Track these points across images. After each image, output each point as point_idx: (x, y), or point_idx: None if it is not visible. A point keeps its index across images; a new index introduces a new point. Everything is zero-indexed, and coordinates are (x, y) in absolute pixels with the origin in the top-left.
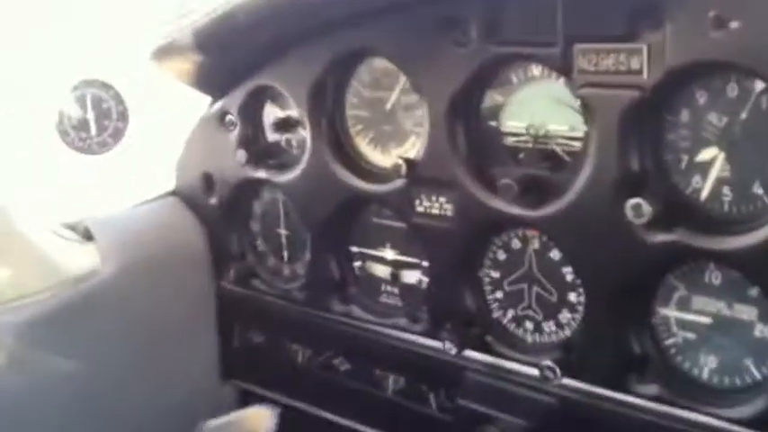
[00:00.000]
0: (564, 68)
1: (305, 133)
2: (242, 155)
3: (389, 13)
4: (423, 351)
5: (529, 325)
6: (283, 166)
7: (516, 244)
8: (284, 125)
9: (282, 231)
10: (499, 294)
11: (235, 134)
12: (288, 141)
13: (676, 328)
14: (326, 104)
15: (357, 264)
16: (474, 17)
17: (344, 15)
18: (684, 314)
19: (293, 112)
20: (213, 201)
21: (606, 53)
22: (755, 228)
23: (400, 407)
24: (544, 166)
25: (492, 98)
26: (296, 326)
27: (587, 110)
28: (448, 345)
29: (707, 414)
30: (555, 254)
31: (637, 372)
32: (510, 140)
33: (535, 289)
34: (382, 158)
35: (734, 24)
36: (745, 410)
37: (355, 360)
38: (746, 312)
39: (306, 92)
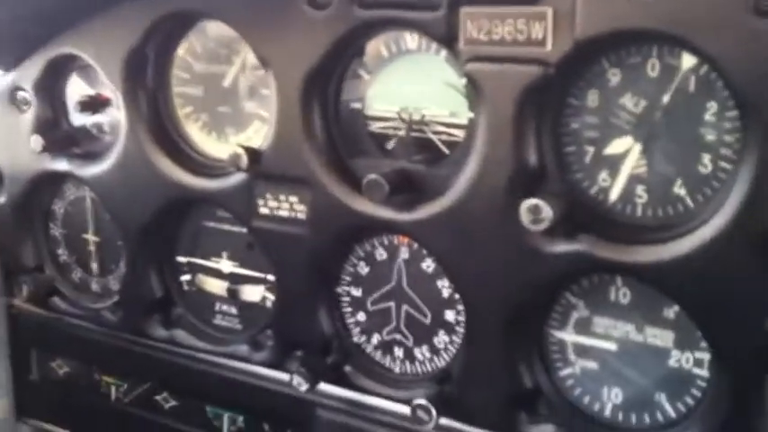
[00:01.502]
0: (447, 38)
1: (119, 115)
2: (38, 141)
3: None
4: (266, 385)
5: (398, 352)
6: (91, 157)
7: (382, 254)
8: (92, 105)
9: (91, 237)
10: (361, 316)
11: (29, 115)
12: (97, 126)
13: (574, 356)
14: (146, 80)
15: (185, 278)
16: None
17: None
18: (584, 338)
19: (104, 90)
20: (1, 199)
21: (501, 19)
22: (676, 236)
23: None
24: (419, 159)
25: (356, 75)
26: (108, 354)
27: (475, 91)
28: (297, 379)
29: None
30: (428, 265)
31: (527, 409)
32: (377, 126)
33: (405, 308)
34: (218, 148)
35: None
36: None
37: (183, 396)
38: (660, 337)
39: (120, 63)
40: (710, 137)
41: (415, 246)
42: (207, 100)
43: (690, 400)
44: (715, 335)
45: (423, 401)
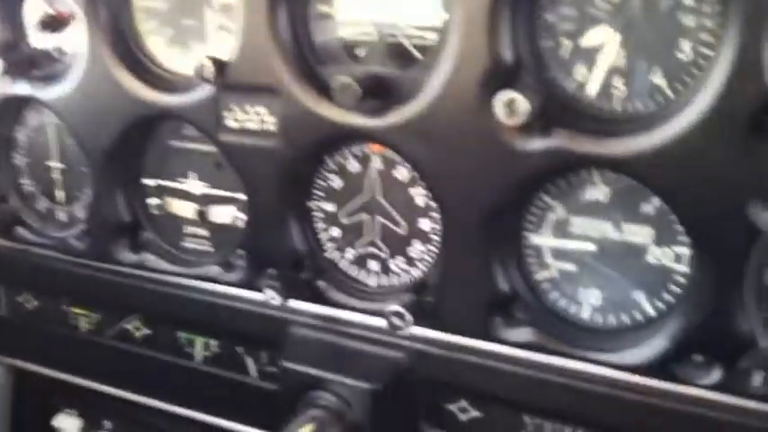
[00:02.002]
0: None
1: (80, 34)
2: None
3: None
4: (239, 306)
5: (373, 265)
6: (53, 78)
7: (354, 166)
8: (52, 24)
9: (55, 164)
10: (334, 231)
11: None
12: (57, 47)
13: (551, 259)
14: None
15: (153, 201)
16: None
17: None
18: (562, 241)
19: (63, 6)
20: None
21: None
22: (655, 126)
23: (212, 377)
24: (391, 64)
25: None
26: (77, 284)
27: None
28: (269, 293)
29: (590, 361)
30: (402, 173)
31: (504, 314)
32: (348, 32)
33: (379, 220)
34: (183, 62)
35: None
36: (637, 355)
37: (154, 323)
38: (640, 234)
39: None
40: (690, 22)
41: (388, 154)
42: (171, 13)
43: (669, 297)
44: (696, 225)
45: (397, 308)
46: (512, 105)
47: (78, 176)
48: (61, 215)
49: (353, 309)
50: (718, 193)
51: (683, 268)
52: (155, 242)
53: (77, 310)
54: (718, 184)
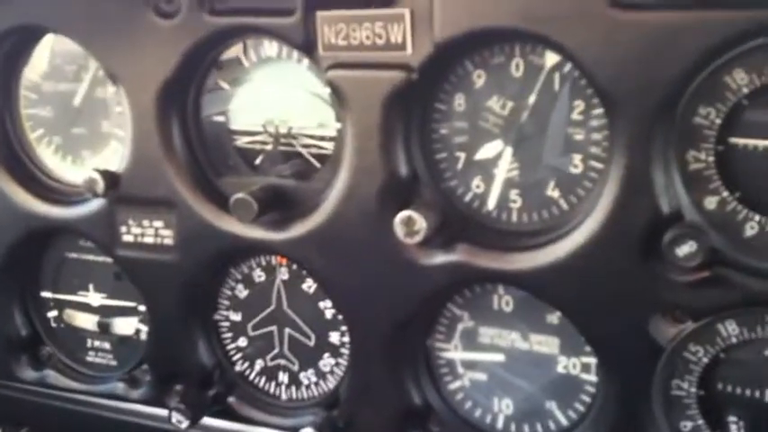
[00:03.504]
0: (305, 44)
1: None
2: None
3: None
4: (147, 423)
5: (283, 377)
6: None
7: (260, 276)
8: None
9: None
10: (242, 342)
11: None
12: None
13: (462, 369)
14: None
15: (52, 314)
16: None
17: None
18: (471, 351)
19: None
20: None
21: (358, 22)
22: (552, 241)
23: None
24: (289, 174)
25: (216, 86)
26: None
27: (339, 99)
28: (176, 416)
29: None
30: (309, 285)
31: (419, 428)
32: (243, 141)
33: (288, 331)
34: (75, 172)
35: None
36: None
37: None
38: (546, 344)
39: None
40: (579, 136)
41: (295, 266)
42: (58, 121)
43: (580, 407)
44: (597, 340)
45: (309, 430)
46: (410, 224)
47: None
48: None
49: (265, 424)
50: (616, 309)
51: (593, 378)
52: (56, 357)
53: None
54: (615, 300)
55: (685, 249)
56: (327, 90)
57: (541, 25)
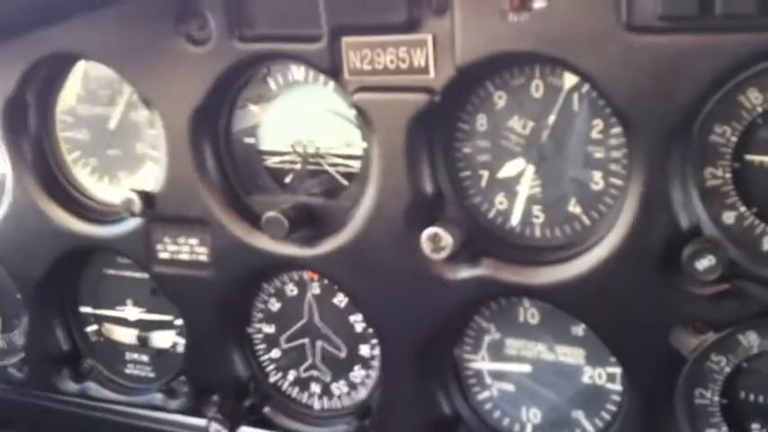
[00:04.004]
0: (331, 69)
1: (4, 166)
2: None
3: (98, 3)
4: None
5: (315, 388)
6: None
7: (292, 290)
8: None
9: None
10: (275, 353)
11: None
12: None
13: (490, 380)
14: (29, 127)
15: (91, 328)
16: (212, 5)
17: (37, 10)
18: (498, 362)
19: None
20: None
21: (382, 47)
22: (575, 256)
23: None
24: (317, 192)
25: (247, 109)
26: (19, 412)
27: (365, 121)
28: (214, 426)
29: None
30: (340, 299)
31: None
32: (273, 161)
33: (319, 344)
34: (111, 192)
35: (538, 4)
36: None
37: None
38: (571, 355)
39: None
40: (599, 154)
41: (326, 281)
42: (94, 143)
43: (606, 416)
44: (621, 351)
45: None
46: (436, 240)
47: (14, 304)
48: (0, 342)
49: None
50: (638, 321)
51: (618, 387)
52: (96, 370)
53: None
54: (636, 313)
55: (705, 263)
56: (353, 111)
57: (559, 49)
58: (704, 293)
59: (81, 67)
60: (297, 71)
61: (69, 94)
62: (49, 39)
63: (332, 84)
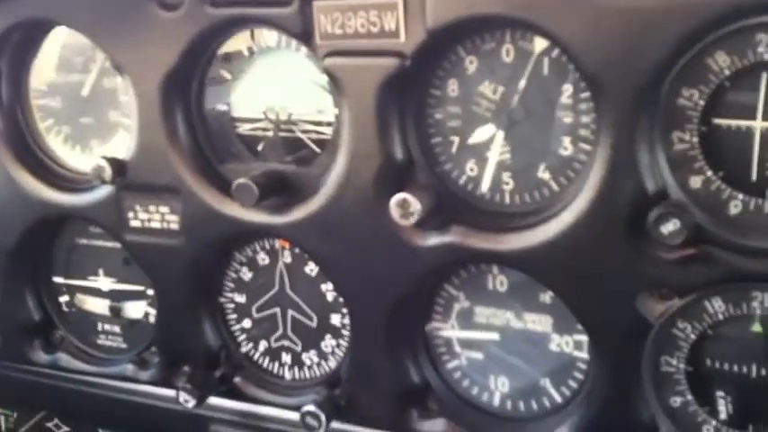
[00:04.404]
0: (303, 33)
1: None
2: None
3: None
4: (156, 403)
5: (286, 358)
6: None
7: (263, 259)
8: None
9: None
10: (247, 323)
11: None
12: None
13: (459, 348)
14: (1, 94)
15: (63, 298)
16: None
17: None
18: (467, 330)
19: None
20: None
21: (353, 11)
22: (543, 221)
23: None
24: (290, 159)
25: (218, 76)
26: None
27: (336, 86)
28: (184, 396)
29: None
30: (311, 268)
31: (418, 406)
32: (245, 128)
33: (291, 313)
34: (83, 161)
35: None
36: None
37: (73, 420)
38: (539, 322)
39: None
40: (568, 119)
41: (297, 249)
42: (67, 111)
43: (573, 384)
44: (587, 318)
45: (311, 408)
46: (405, 206)
47: None
48: None
49: (270, 404)
50: (605, 287)
51: (585, 355)
52: (68, 340)
53: None
54: (603, 278)
55: (670, 227)
56: (325, 77)
57: (529, 12)
58: (670, 258)
59: (55, 33)
60: (268, 36)
61: (42, 62)
62: (22, 5)
63: (304, 49)
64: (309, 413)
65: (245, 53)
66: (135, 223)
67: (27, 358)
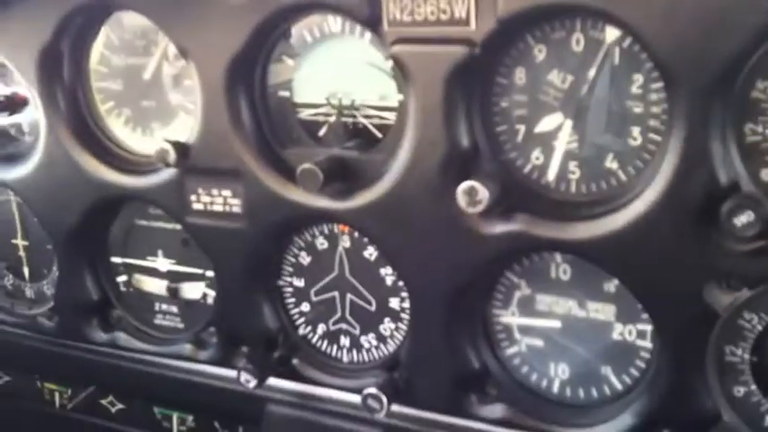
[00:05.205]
0: (370, 20)
1: (38, 115)
2: None
3: None
4: (214, 383)
5: (344, 341)
6: (12, 159)
7: (323, 244)
8: (9, 105)
9: (20, 242)
10: (305, 307)
11: None
12: (16, 126)
13: (519, 335)
14: (63, 76)
15: (121, 279)
16: None
17: None
18: (528, 317)
19: (20, 89)
20: None
21: None
22: (611, 211)
23: None
24: (352, 145)
25: (281, 62)
26: (48, 361)
27: (402, 73)
28: (245, 376)
29: None
30: (370, 253)
31: (476, 390)
32: (307, 114)
33: (349, 297)
34: (144, 143)
35: None
36: (608, 429)
37: (129, 398)
38: (602, 311)
39: (33, 61)
40: (638, 109)
41: (356, 234)
42: (128, 94)
43: (635, 372)
44: (654, 307)
45: (373, 390)
46: (473, 194)
47: (44, 253)
48: (29, 292)
49: (328, 385)
50: (673, 277)
51: (648, 344)
52: (126, 320)
53: (50, 386)
54: (672, 268)
55: (743, 219)
56: (388, 63)
57: (603, 1)
58: (741, 249)
59: (116, 16)
60: (333, 22)
61: (104, 44)
62: None
63: (368, 35)
64: (371, 395)
65: (309, 39)
66: (197, 206)
67: (85, 337)
